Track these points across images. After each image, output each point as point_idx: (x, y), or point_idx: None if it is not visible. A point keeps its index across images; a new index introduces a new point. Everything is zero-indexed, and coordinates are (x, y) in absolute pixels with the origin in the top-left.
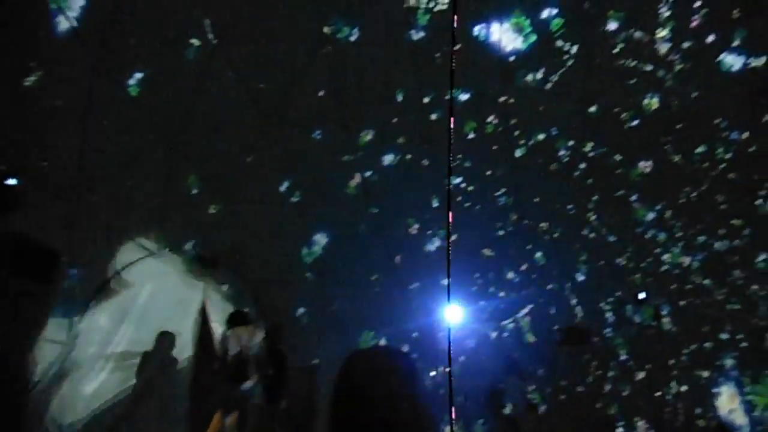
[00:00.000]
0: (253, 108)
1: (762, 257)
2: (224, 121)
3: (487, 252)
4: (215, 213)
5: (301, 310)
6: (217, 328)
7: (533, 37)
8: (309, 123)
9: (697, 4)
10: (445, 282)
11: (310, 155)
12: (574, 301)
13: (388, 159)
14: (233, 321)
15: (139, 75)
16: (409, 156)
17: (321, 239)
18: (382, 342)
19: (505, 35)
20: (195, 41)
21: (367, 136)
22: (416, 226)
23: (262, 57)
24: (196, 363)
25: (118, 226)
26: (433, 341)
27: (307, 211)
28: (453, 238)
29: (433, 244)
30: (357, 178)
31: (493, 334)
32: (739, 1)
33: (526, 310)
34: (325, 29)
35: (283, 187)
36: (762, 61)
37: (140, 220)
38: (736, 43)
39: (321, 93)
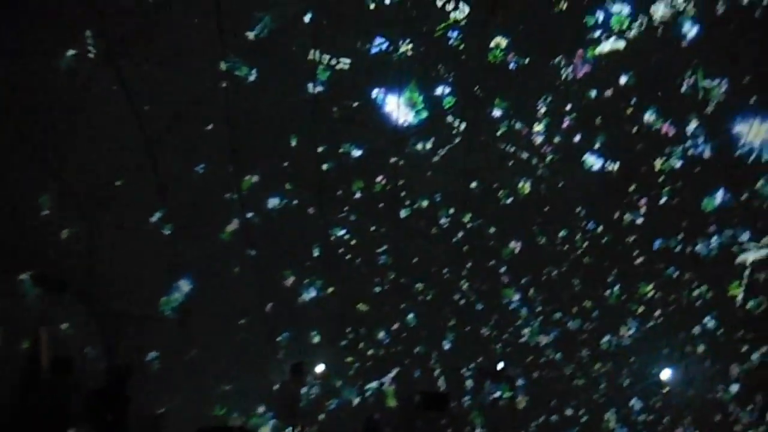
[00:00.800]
0: (137, 128)
1: (606, 338)
2: (100, 137)
3: (362, 307)
4: (68, 237)
5: (154, 354)
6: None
7: (424, 114)
8: (194, 154)
9: (569, 107)
10: (316, 336)
11: (189, 188)
12: (437, 367)
13: (273, 202)
14: None
15: None
16: (295, 202)
17: (185, 285)
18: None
19: (399, 106)
20: (71, 51)
21: (254, 177)
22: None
23: (154, 79)
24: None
25: None
26: (293, 397)
27: (179, 245)
28: (330, 290)
29: (309, 294)
30: (235, 224)
31: (356, 400)
32: (601, 110)
33: (392, 374)
34: (222, 65)
35: (155, 218)
36: (616, 165)
37: None
38: (597, 146)
39: (210, 126)
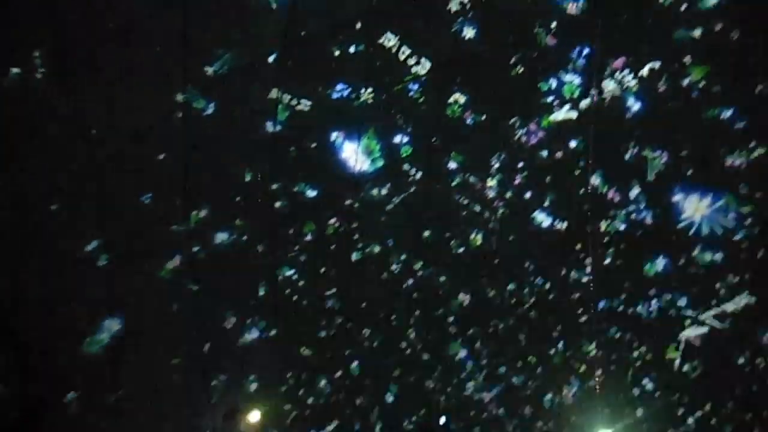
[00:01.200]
0: (81, 149)
1: (549, 396)
2: (42, 156)
3: (305, 351)
4: None
5: (72, 395)
6: None
7: (380, 162)
8: (140, 183)
9: (521, 164)
10: (253, 380)
11: (131, 217)
12: (379, 422)
13: (221, 237)
14: None
15: None
16: (244, 238)
17: (113, 323)
18: None
19: (356, 153)
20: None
21: (203, 210)
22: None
23: (105, 100)
24: None
25: None
26: None
27: (114, 278)
28: (272, 332)
29: (251, 335)
30: (176, 260)
31: None
32: (551, 170)
33: (331, 427)
34: (179, 96)
35: (90, 246)
36: (564, 224)
37: None
38: (546, 203)
39: (161, 156)
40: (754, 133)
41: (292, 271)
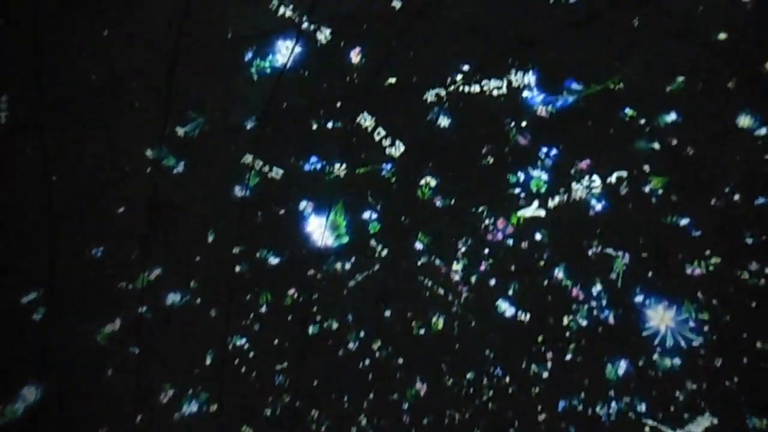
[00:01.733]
0: (42, 198)
1: None
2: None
3: (246, 430)
4: None
5: None
6: None
7: (345, 239)
8: (95, 236)
9: (486, 251)
10: None
11: (80, 272)
12: None
13: (172, 298)
14: None
15: None
16: (198, 300)
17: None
18: None
19: (322, 227)
20: None
21: (158, 269)
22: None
23: (72, 147)
24: None
25: None
26: None
27: (48, 334)
28: (213, 406)
29: (190, 407)
30: (117, 323)
31: None
32: (516, 259)
33: None
34: (149, 152)
35: (27, 299)
36: (527, 316)
37: None
38: (510, 292)
39: (121, 209)
40: (710, 243)
41: (243, 340)
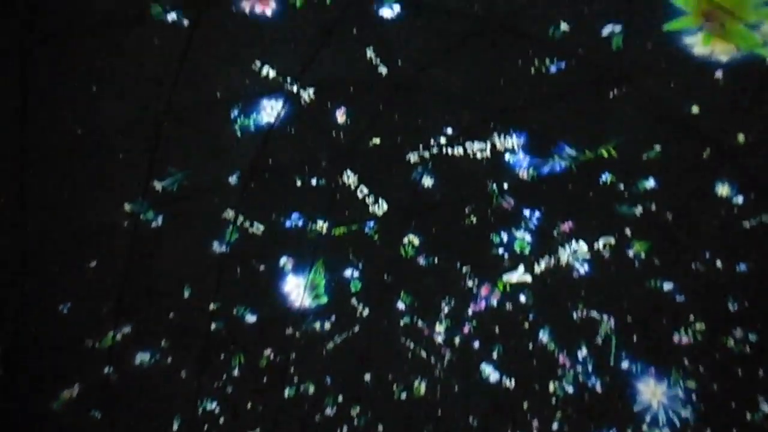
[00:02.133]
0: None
1: None
2: None
3: None
4: None
5: None
6: None
7: (324, 299)
8: (66, 290)
9: (470, 312)
10: None
11: (44, 329)
12: None
13: (141, 357)
14: None
15: None
16: (169, 360)
17: None
18: None
19: (300, 286)
20: None
21: (127, 327)
22: None
23: (53, 201)
24: None
25: None
26: None
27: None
28: None
29: None
30: (75, 389)
31: None
32: (500, 321)
33: None
34: (127, 206)
35: None
36: (512, 380)
37: None
38: (494, 356)
39: (93, 263)
40: (694, 309)
41: (214, 404)
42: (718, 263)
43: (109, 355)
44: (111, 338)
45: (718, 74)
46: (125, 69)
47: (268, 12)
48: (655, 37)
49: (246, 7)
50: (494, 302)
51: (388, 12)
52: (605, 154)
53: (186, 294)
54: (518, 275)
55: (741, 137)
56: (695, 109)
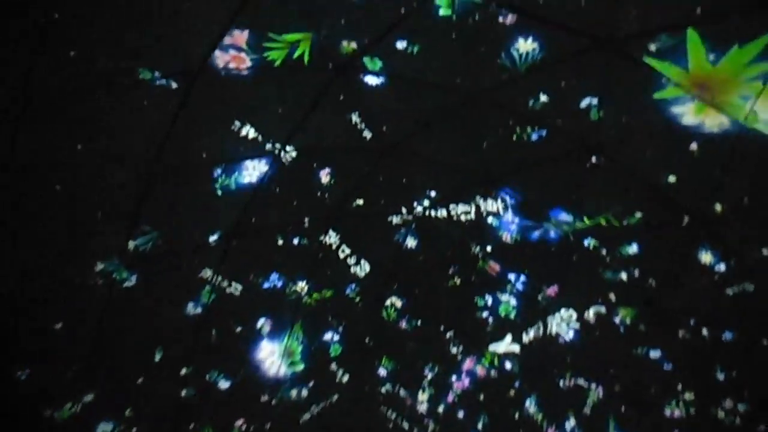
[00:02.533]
0: None
1: None
2: None
3: None
4: None
5: None
6: None
7: (300, 366)
8: (26, 355)
9: (454, 379)
10: None
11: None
12: None
13: (103, 429)
14: None
15: None
16: (134, 431)
17: None
18: None
19: (275, 353)
20: None
21: (89, 395)
22: None
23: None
24: None
25: None
26: None
27: None
28: None
29: None
30: None
31: None
32: (485, 389)
33: None
34: (100, 265)
35: None
36: None
37: None
38: (480, 426)
39: (58, 325)
40: (682, 378)
41: None
42: (704, 331)
43: (65, 427)
44: (69, 408)
45: (693, 146)
46: (114, 131)
47: (244, 71)
48: (634, 107)
49: (220, 63)
50: (477, 368)
51: (373, 80)
52: (603, 223)
53: (157, 357)
54: (505, 345)
55: (718, 207)
56: (671, 179)
